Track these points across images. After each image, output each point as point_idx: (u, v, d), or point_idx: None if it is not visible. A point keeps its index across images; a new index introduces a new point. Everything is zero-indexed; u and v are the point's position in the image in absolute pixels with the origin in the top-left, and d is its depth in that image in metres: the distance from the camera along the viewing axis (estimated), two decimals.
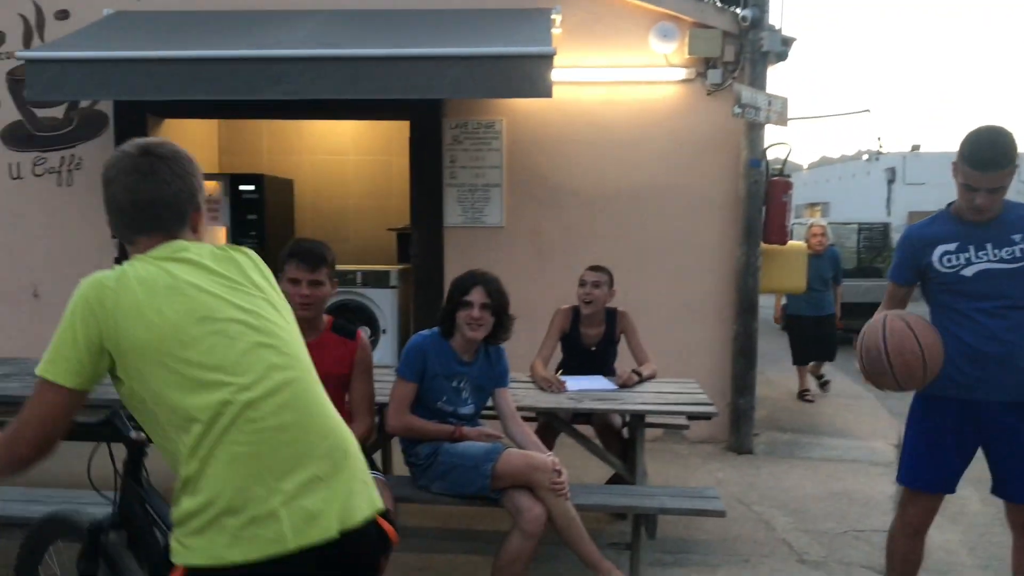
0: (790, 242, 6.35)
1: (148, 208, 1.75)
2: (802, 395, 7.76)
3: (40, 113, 6.42)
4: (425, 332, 3.44)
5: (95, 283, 1.64)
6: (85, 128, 6.42)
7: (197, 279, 1.68)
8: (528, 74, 4.99)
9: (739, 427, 5.99)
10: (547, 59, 4.98)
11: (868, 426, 6.82)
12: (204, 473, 1.57)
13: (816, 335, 7.66)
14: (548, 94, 5.04)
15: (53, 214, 6.44)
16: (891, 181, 30.10)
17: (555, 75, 5.10)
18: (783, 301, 7.93)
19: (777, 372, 8.61)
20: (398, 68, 5.03)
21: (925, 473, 3.00)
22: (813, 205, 34.61)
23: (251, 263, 1.84)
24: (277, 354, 1.68)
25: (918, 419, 3.04)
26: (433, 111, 6.22)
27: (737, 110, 5.71)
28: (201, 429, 1.56)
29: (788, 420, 6.93)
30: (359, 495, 1.70)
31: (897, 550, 3.10)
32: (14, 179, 6.45)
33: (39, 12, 6.37)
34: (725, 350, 6.14)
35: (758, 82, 5.93)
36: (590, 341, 4.55)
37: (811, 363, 7.96)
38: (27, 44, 6.33)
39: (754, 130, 5.96)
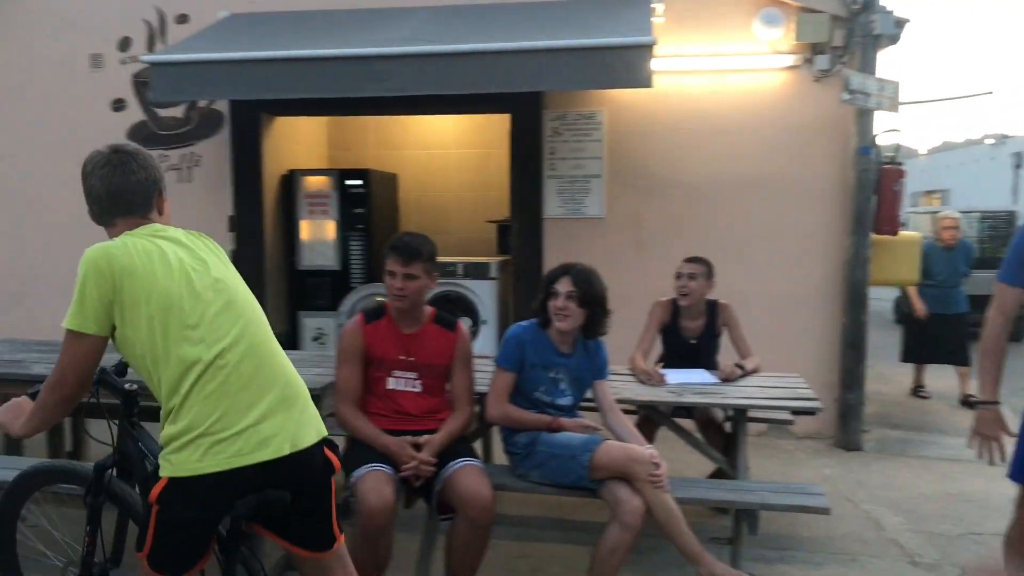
0: (902, 232, 6.12)
1: (121, 193, 2.19)
2: (916, 391, 7.41)
3: (162, 113, 6.78)
4: (524, 323, 3.48)
5: (103, 250, 2.06)
6: (203, 126, 6.74)
7: (181, 253, 2.14)
8: (628, 64, 4.97)
9: (847, 423, 5.81)
10: (647, 49, 4.94)
11: None
12: (184, 406, 1.99)
13: (938, 334, 7.07)
14: (648, 84, 5.00)
15: (174, 209, 6.73)
16: (1018, 166, 28.45)
17: (657, 64, 5.06)
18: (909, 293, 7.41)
19: (890, 367, 8.28)
20: (498, 62, 5.09)
21: None
22: (931, 193, 33.03)
23: (208, 242, 2.31)
24: (238, 315, 2.13)
25: None
26: (533, 103, 6.25)
27: (846, 96, 5.53)
28: (182, 372, 2.00)
29: (900, 417, 6.68)
30: (307, 425, 2.13)
31: (1013, 554, 2.95)
32: None
33: (161, 17, 6.72)
34: (833, 343, 5.96)
35: (868, 67, 5.72)
36: (690, 334, 4.50)
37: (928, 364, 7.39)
38: (150, 48, 6.68)
39: (864, 116, 5.76)
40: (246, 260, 6.68)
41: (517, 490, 3.45)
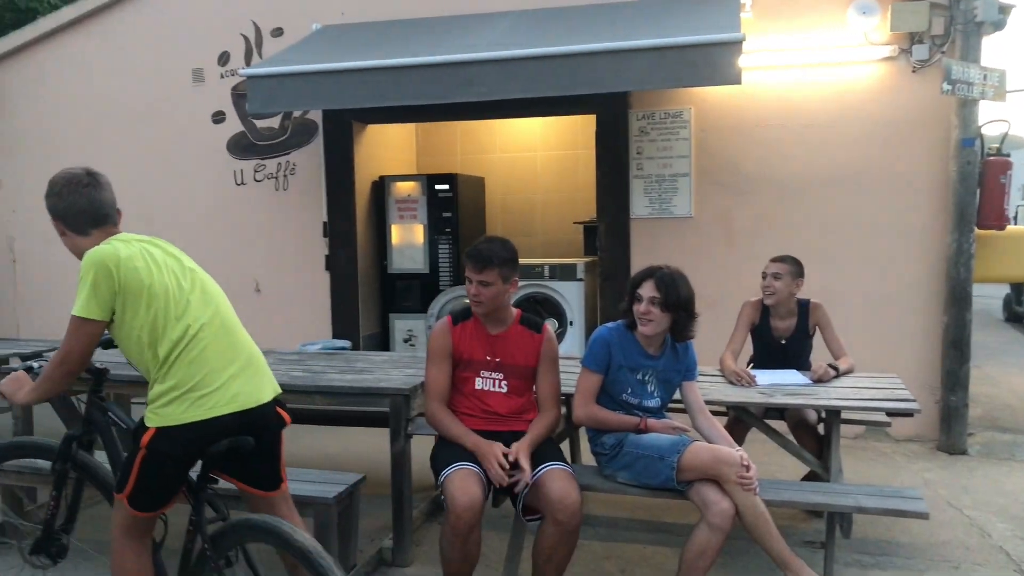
0: (1010, 227, 5.84)
1: (100, 208, 2.66)
2: None
3: (260, 124, 7.04)
4: (611, 324, 3.48)
5: (108, 252, 2.52)
6: (298, 136, 6.97)
7: (159, 253, 2.62)
8: (716, 62, 4.90)
9: (950, 425, 5.59)
10: (736, 45, 4.87)
11: None
12: (171, 371, 2.48)
13: None
14: (737, 81, 4.93)
15: (272, 216, 7.05)
16: None
17: (746, 60, 4.99)
18: None
19: (999, 368, 7.92)
20: (585, 64, 5.10)
21: None
22: None
23: (169, 244, 2.73)
24: (211, 299, 2.65)
25: None
26: (620, 103, 6.24)
27: (946, 87, 5.32)
28: (172, 344, 2.49)
29: (1009, 419, 6.37)
30: (266, 385, 2.66)
31: None
32: (238, 185, 7.11)
33: (258, 31, 6.98)
34: (934, 343, 5.74)
35: (971, 55, 5.49)
36: (780, 334, 4.42)
37: None
38: (248, 61, 6.95)
39: (967, 107, 5.53)
40: (339, 264, 6.89)
41: (604, 491, 3.45)
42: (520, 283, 6.44)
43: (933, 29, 5.63)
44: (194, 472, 2.64)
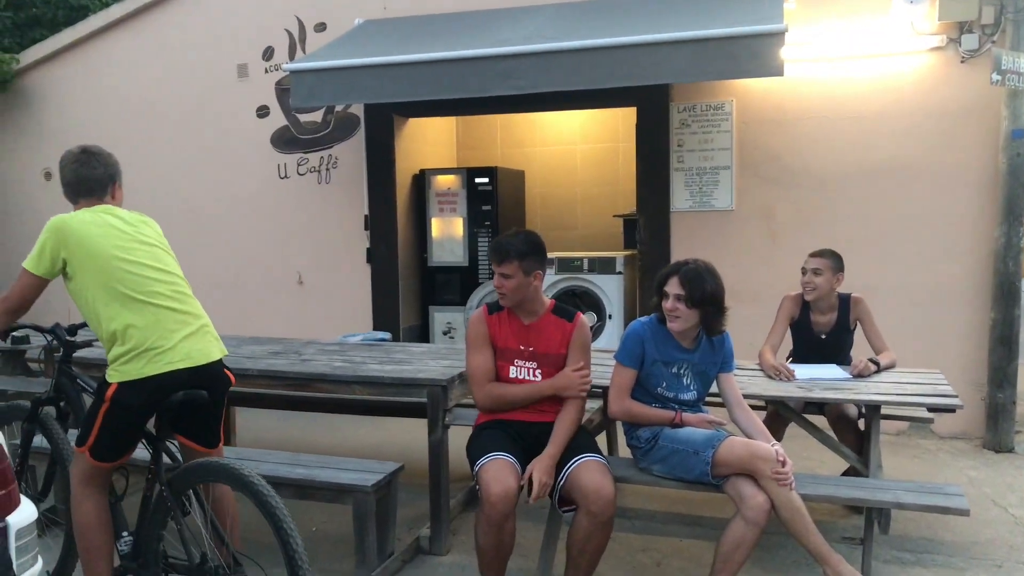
0: None
1: (84, 182, 3.02)
2: None
3: (303, 118, 7.14)
4: (644, 319, 3.47)
5: (62, 220, 2.85)
6: (340, 130, 7.05)
7: (120, 225, 2.92)
8: (758, 53, 4.86)
9: (997, 423, 5.48)
10: (778, 36, 4.82)
11: None
12: (127, 332, 2.77)
13: None
14: (779, 72, 4.89)
15: (314, 209, 7.15)
16: None
17: (788, 51, 4.93)
18: None
19: None
20: (622, 56, 5.09)
21: None
22: None
23: (146, 220, 3.05)
24: (162, 271, 2.92)
25: None
26: (660, 96, 6.20)
27: (996, 77, 5.21)
28: (126, 308, 2.79)
29: None
30: (214, 346, 2.95)
31: None
32: (282, 178, 7.22)
33: (301, 26, 7.07)
34: (980, 339, 5.63)
35: (1022, 45, 5.36)
36: (820, 328, 4.37)
37: None
38: (291, 56, 7.05)
39: (1017, 98, 5.41)
40: (380, 257, 6.97)
41: (639, 483, 3.45)
42: (559, 276, 6.57)
43: (983, 18, 5.51)
44: (152, 427, 2.96)
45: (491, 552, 3.12)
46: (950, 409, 3.59)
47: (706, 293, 3.25)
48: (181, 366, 2.80)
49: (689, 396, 3.43)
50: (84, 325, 3.18)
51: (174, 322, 2.84)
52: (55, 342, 3.40)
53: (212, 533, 2.78)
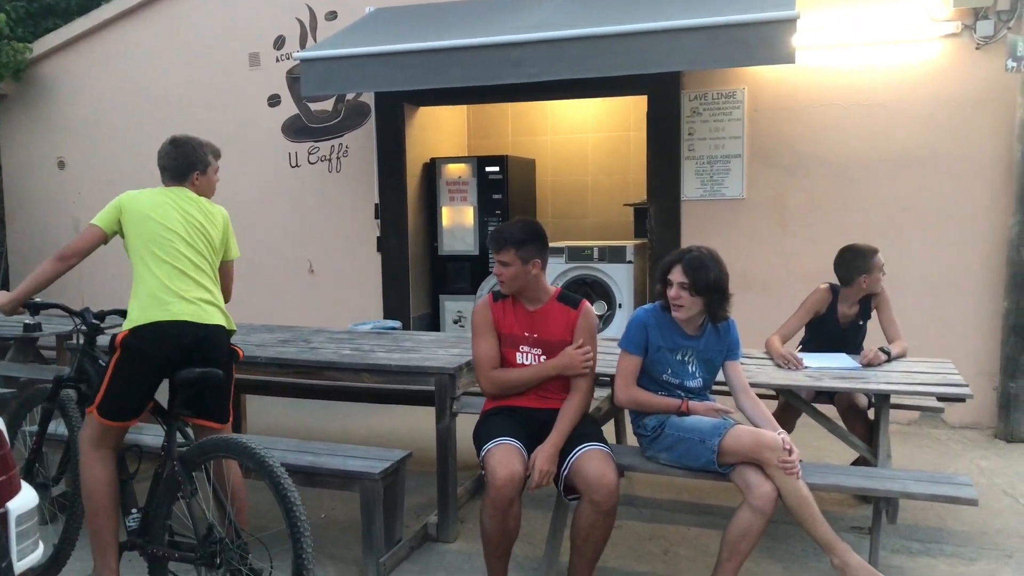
0: None
1: (166, 170, 3.36)
2: None
3: (314, 107, 7.14)
4: (648, 306, 3.47)
5: (130, 192, 3.27)
6: (351, 118, 7.06)
7: (177, 203, 3.25)
8: (769, 40, 4.83)
9: (1009, 413, 5.44)
10: (790, 23, 4.78)
11: None
12: (145, 283, 3.11)
13: None
14: (791, 60, 4.85)
15: (325, 198, 7.16)
16: None
17: (800, 38, 4.89)
18: None
19: None
20: (634, 44, 5.06)
21: None
22: None
23: (214, 212, 3.36)
24: (192, 247, 3.20)
25: None
26: (671, 84, 6.17)
27: (1011, 64, 5.16)
28: (150, 266, 3.12)
29: None
30: (216, 314, 3.17)
31: None
32: (293, 167, 7.23)
33: (312, 15, 7.07)
34: (993, 328, 5.59)
35: None
36: (845, 320, 4.33)
37: None
38: (303, 45, 7.05)
39: None
40: (390, 246, 6.98)
41: (646, 471, 3.45)
42: (569, 265, 6.56)
43: (999, 4, 5.44)
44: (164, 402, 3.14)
45: (496, 537, 3.13)
46: (959, 399, 3.57)
47: (709, 281, 3.24)
48: (184, 317, 3.05)
49: (695, 383, 3.42)
50: (114, 312, 3.50)
51: (186, 285, 3.12)
52: (82, 325, 3.51)
53: (219, 508, 2.91)
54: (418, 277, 7.23)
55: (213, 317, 3.15)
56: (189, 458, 2.97)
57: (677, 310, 3.30)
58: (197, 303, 3.12)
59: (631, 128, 8.06)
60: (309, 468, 3.62)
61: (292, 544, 2.69)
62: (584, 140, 8.39)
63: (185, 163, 3.34)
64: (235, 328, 3.30)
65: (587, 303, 3.45)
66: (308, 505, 2.88)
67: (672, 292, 3.28)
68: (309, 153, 7.18)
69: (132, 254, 3.19)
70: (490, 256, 7.16)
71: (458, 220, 7.36)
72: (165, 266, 3.12)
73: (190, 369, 2.98)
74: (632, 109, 7.91)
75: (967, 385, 3.60)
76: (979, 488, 3.54)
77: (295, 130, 7.21)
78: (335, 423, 5.79)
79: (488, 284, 6.97)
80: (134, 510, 3.18)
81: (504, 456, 3.08)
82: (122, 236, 3.25)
